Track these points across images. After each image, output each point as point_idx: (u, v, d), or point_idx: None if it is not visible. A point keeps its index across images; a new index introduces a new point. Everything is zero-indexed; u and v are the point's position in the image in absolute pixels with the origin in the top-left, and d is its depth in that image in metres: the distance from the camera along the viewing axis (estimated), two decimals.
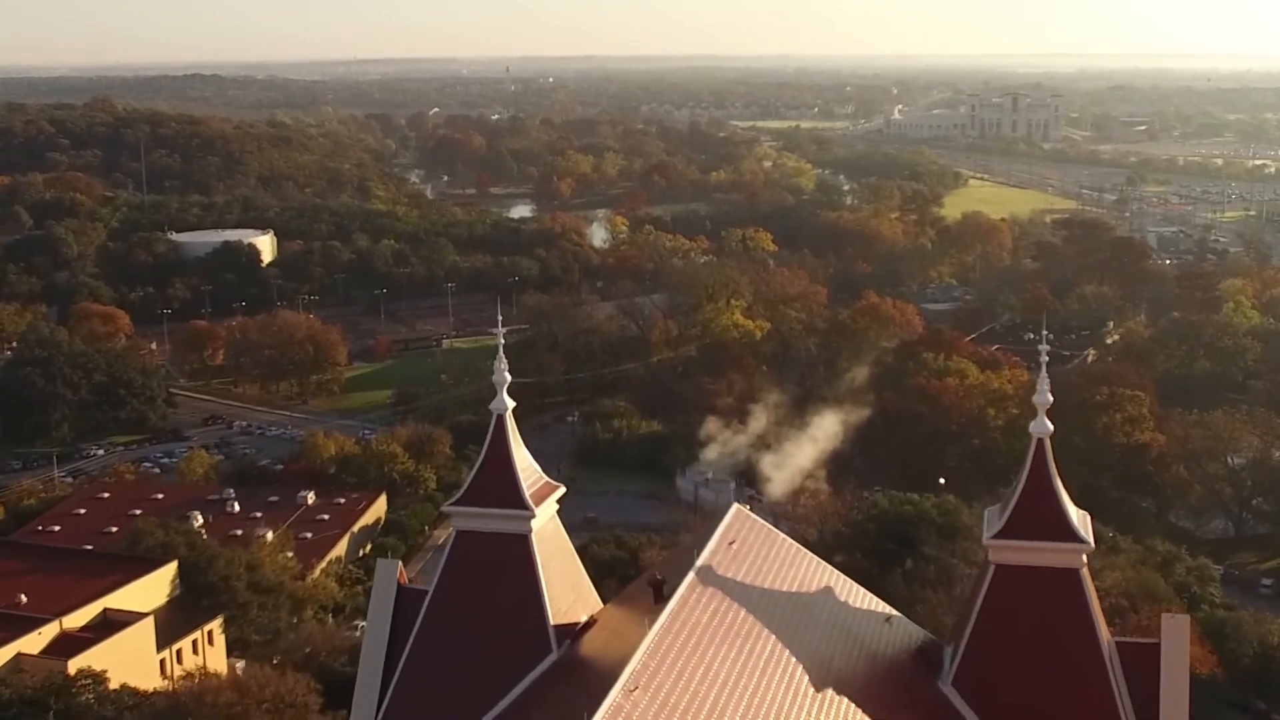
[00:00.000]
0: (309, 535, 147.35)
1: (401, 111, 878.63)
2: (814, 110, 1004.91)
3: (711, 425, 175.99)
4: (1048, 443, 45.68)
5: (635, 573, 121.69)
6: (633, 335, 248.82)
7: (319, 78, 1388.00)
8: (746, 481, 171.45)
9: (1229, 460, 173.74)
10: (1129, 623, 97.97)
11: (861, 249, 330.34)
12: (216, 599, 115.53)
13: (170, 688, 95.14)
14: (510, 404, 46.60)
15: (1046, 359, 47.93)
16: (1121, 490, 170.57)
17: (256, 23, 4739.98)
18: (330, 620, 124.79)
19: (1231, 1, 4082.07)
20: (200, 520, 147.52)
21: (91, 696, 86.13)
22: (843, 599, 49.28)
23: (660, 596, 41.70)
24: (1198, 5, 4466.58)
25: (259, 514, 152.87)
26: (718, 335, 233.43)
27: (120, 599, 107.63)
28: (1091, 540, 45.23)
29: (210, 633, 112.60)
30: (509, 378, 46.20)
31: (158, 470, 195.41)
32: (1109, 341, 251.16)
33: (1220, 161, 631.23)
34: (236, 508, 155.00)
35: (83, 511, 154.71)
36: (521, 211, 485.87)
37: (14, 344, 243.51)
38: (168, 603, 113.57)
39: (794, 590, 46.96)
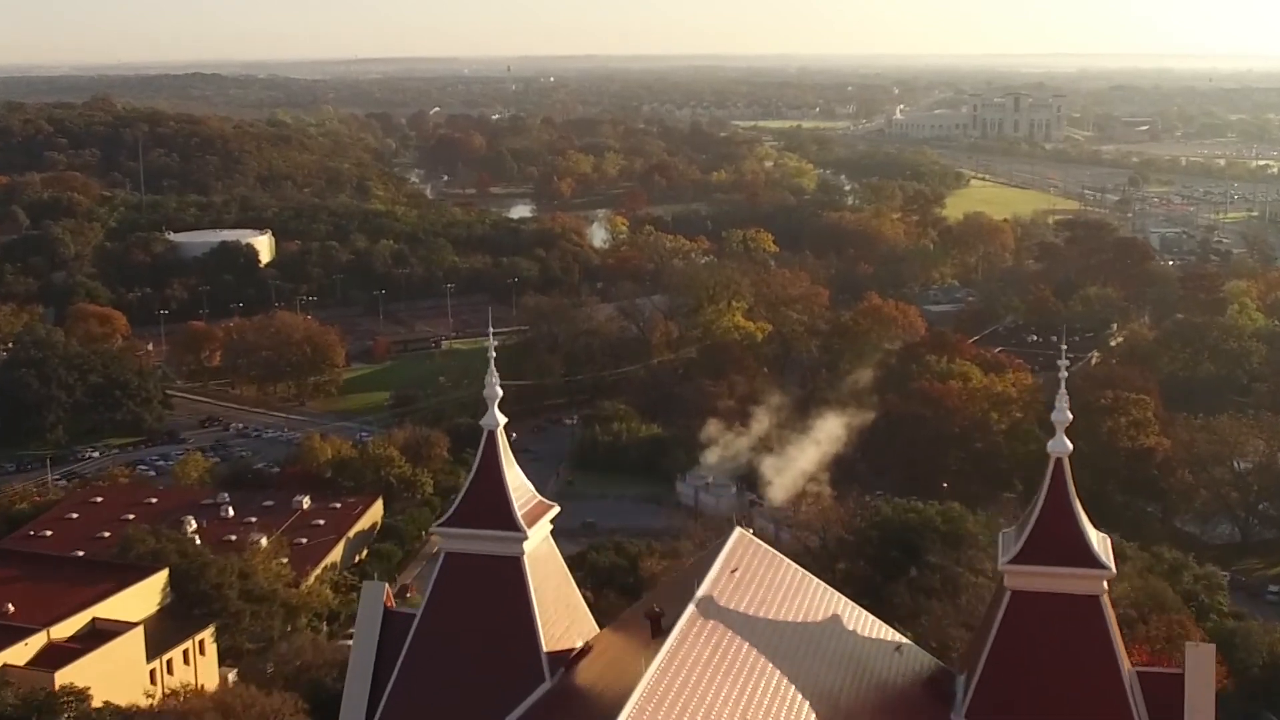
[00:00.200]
0: (304, 541, 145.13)
1: (402, 111, 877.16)
2: (815, 110, 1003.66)
3: (712, 428, 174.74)
4: (1066, 462, 43.62)
5: (634, 579, 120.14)
6: (633, 337, 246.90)
7: (320, 77, 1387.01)
8: (748, 486, 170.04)
9: (1235, 465, 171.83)
10: (1137, 633, 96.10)
11: (863, 250, 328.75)
12: (208, 607, 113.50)
13: (154, 705, 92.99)
14: (502, 419, 44.62)
15: (1065, 374, 45.59)
16: (1126, 495, 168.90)
17: (258, 22, 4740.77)
18: (324, 628, 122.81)
19: (1231, 2, 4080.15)
20: (194, 525, 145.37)
21: (73, 715, 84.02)
22: (851, 627, 47.24)
23: (658, 630, 39.67)
24: (1197, 5, 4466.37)
25: (253, 519, 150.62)
26: (719, 337, 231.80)
27: (110, 608, 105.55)
28: (1113, 565, 43.16)
29: (201, 642, 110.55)
30: (500, 392, 44.22)
31: (153, 473, 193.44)
32: (1113, 344, 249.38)
33: (1223, 162, 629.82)
34: (231, 512, 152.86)
35: (75, 516, 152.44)
36: (522, 211, 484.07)
37: (9, 345, 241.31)
38: (158, 611, 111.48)
39: (800, 620, 44.94)
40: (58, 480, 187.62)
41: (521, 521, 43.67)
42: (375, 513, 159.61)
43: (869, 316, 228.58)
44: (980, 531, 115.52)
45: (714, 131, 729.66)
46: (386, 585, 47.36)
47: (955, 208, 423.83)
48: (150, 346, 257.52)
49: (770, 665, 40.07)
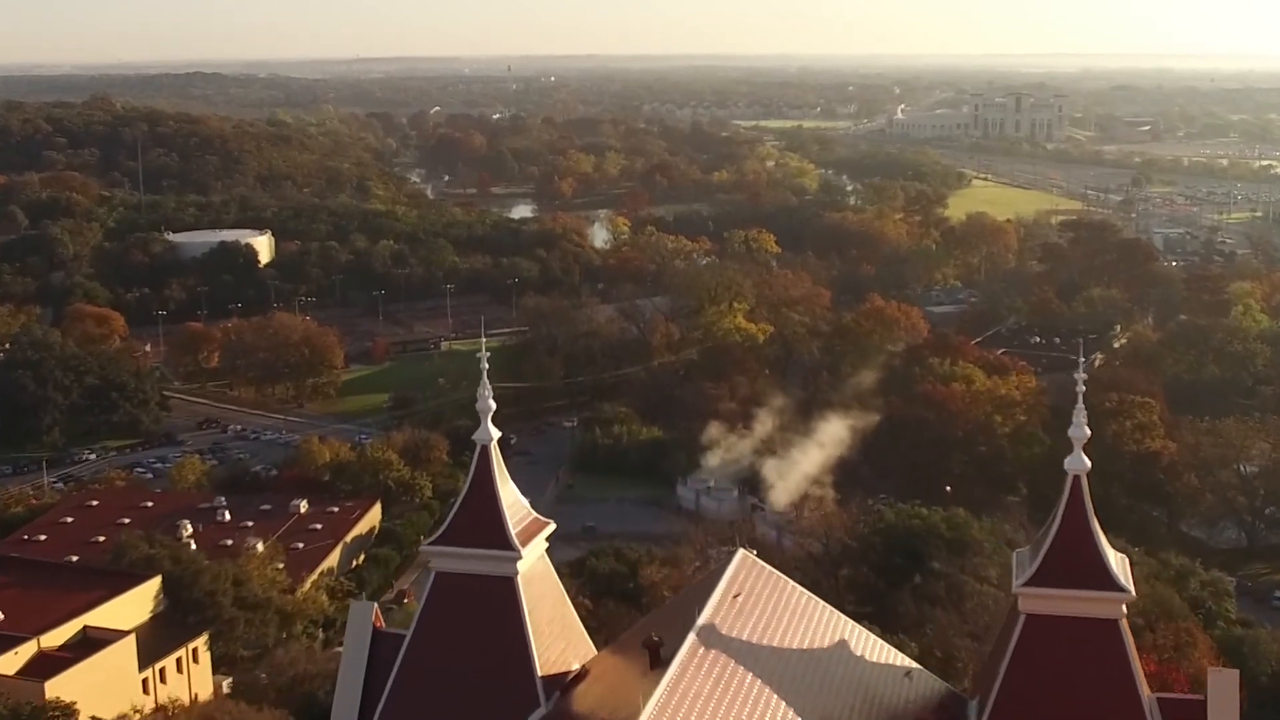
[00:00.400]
0: (300, 545, 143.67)
1: (403, 110, 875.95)
2: (816, 110, 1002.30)
3: (713, 431, 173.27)
4: (1084, 480, 41.89)
5: (634, 586, 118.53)
6: (633, 338, 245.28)
7: (321, 76, 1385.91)
8: (749, 489, 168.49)
9: (1241, 468, 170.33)
10: (1144, 642, 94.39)
11: (865, 250, 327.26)
12: (202, 615, 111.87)
13: None
14: (495, 434, 42.94)
15: (1084, 388, 43.80)
16: (1131, 499, 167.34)
17: (260, 21, 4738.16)
18: (320, 635, 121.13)
19: (1232, 2, 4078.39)
20: (190, 530, 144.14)
21: None
22: (859, 652, 45.53)
23: (657, 660, 37.95)
24: (1198, 5, 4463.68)
25: (250, 523, 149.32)
26: (720, 339, 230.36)
27: (101, 616, 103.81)
28: (1132, 588, 41.44)
29: (195, 650, 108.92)
30: (493, 405, 42.56)
31: (150, 475, 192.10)
32: (1116, 345, 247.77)
33: (1225, 162, 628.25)
34: (227, 516, 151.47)
35: (70, 520, 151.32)
36: (522, 211, 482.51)
37: (6, 346, 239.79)
38: (151, 619, 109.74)
39: (805, 646, 43.20)
40: (54, 483, 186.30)
41: (515, 540, 42.00)
42: (373, 517, 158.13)
43: (871, 318, 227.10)
44: (986, 538, 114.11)
45: (715, 131, 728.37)
46: (375, 605, 45.62)
47: (957, 208, 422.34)
48: (148, 347, 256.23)
49: (775, 696, 38.39)
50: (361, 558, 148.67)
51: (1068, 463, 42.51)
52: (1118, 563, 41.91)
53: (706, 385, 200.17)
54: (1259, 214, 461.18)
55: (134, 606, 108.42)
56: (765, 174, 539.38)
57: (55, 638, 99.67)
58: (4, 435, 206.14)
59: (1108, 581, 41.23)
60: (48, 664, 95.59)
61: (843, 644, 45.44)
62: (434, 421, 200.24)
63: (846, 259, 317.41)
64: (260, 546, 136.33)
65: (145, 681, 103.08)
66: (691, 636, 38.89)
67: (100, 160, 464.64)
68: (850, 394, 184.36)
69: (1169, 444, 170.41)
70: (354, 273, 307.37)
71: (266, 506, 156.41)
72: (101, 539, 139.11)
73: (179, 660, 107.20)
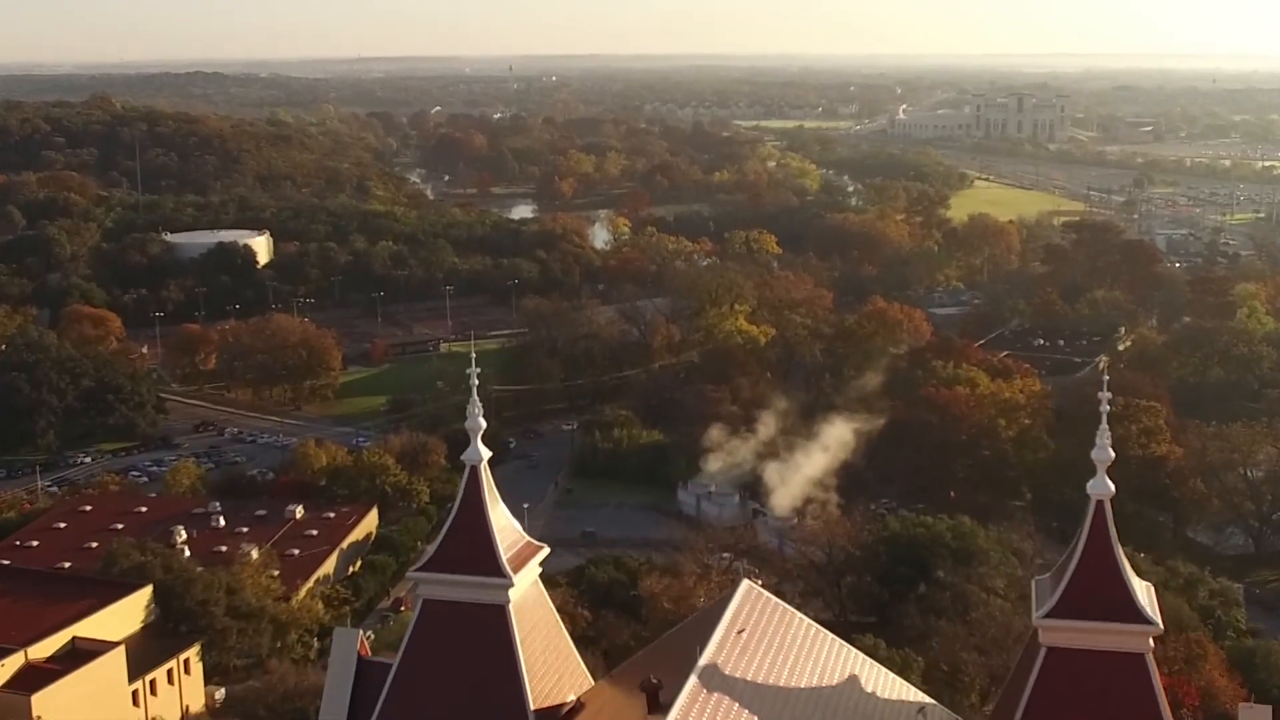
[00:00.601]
0: (296, 552, 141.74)
1: (404, 110, 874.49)
2: (818, 110, 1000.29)
3: (715, 434, 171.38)
4: (1108, 506, 39.76)
5: (634, 595, 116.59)
6: (634, 340, 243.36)
7: (322, 76, 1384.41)
8: (751, 494, 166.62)
9: (1247, 473, 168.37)
10: (1154, 654, 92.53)
11: (867, 251, 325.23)
12: (194, 624, 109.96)
13: None
14: (486, 454, 40.91)
15: (1108, 407, 41.55)
16: (1137, 504, 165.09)
17: (261, 21, 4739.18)
18: (315, 644, 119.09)
19: (1233, 2, 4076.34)
20: (183, 536, 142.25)
21: None
22: (870, 689, 43.43)
23: (655, 706, 35.92)
24: (1199, 5, 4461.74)
25: (245, 529, 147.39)
26: (721, 341, 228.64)
27: (91, 626, 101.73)
28: (1159, 620, 39.33)
29: (186, 661, 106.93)
30: (483, 423, 40.53)
31: (145, 479, 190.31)
32: (1121, 348, 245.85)
33: (1228, 163, 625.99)
34: (222, 522, 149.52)
35: (63, 525, 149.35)
36: (523, 211, 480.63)
37: (1, 348, 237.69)
38: (142, 629, 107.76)
39: (814, 684, 41.12)
40: (49, 487, 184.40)
41: (507, 566, 39.98)
42: (370, 522, 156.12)
43: (874, 320, 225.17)
44: (992, 548, 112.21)
45: (716, 131, 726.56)
46: (360, 632, 43.59)
47: (960, 209, 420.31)
48: (145, 349, 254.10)
49: None
50: (358, 564, 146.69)
51: (1091, 487, 40.39)
52: (1144, 592, 39.79)
53: (707, 388, 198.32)
54: (1262, 215, 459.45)
55: (124, 616, 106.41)
56: (766, 174, 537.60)
57: (43, 649, 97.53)
58: None
59: (1133, 613, 39.08)
60: (35, 676, 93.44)
61: (853, 680, 43.33)
62: (432, 424, 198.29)
63: (848, 260, 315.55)
64: (255, 553, 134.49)
65: (135, 693, 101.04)
66: (693, 679, 36.79)
67: (99, 160, 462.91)
68: (853, 397, 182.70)
69: (1175, 449, 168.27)
70: (353, 274, 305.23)
71: (262, 512, 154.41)
72: (94, 545, 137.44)
73: (170, 671, 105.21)
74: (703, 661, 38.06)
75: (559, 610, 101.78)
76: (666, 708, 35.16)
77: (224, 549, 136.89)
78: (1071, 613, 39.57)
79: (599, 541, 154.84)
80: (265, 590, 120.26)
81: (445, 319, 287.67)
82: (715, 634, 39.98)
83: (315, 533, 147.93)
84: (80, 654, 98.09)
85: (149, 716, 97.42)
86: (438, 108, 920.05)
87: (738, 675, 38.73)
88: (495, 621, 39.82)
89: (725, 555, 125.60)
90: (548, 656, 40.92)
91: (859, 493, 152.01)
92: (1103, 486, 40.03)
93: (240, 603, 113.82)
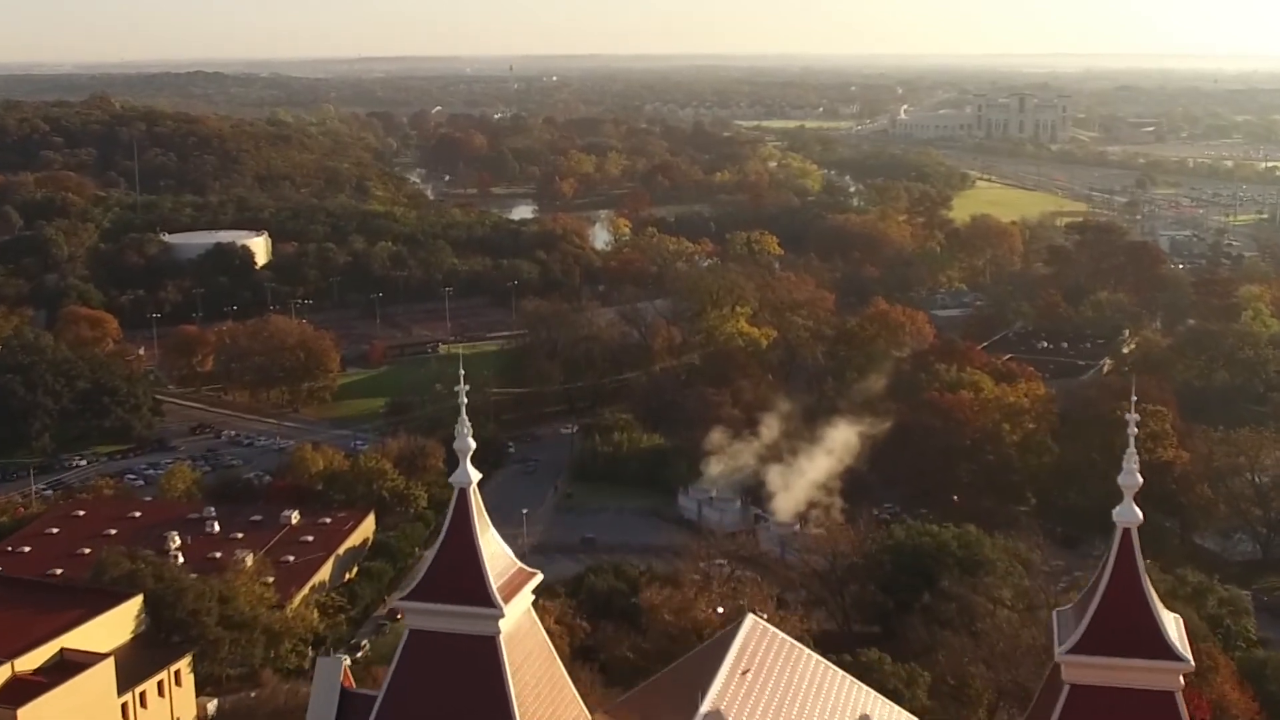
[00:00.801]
0: (291, 558, 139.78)
1: (404, 110, 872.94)
2: (819, 110, 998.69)
3: (716, 438, 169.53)
4: (1135, 534, 37.67)
5: (634, 601, 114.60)
6: (634, 342, 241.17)
7: (322, 75, 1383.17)
8: (753, 499, 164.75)
9: (1254, 478, 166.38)
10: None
11: (869, 253, 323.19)
12: (185, 635, 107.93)
13: None
14: (475, 476, 38.89)
15: (1135, 430, 39.37)
16: (1143, 510, 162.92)
17: (262, 20, 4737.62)
18: (310, 654, 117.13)
19: (1233, 2, 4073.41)
20: (177, 542, 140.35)
21: None
22: None
23: None
24: (1199, 5, 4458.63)
25: (239, 534, 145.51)
26: (722, 343, 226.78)
27: (80, 637, 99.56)
28: (1190, 657, 37.23)
29: (178, 672, 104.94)
30: (473, 444, 38.53)
31: (141, 483, 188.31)
32: (1125, 351, 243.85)
33: (1230, 163, 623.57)
34: (216, 528, 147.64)
35: (56, 531, 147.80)
36: (523, 212, 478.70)
37: None
38: (132, 639, 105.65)
39: None
40: (43, 490, 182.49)
41: (498, 596, 37.98)
42: (366, 528, 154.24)
43: (876, 322, 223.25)
44: (999, 557, 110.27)
45: (717, 131, 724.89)
46: (345, 660, 41.61)
47: (962, 209, 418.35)
48: (142, 351, 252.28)
49: None
50: (354, 571, 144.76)
51: (1117, 514, 38.40)
52: (1173, 626, 37.67)
53: (709, 391, 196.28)
54: (1265, 216, 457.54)
55: (114, 626, 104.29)
56: (767, 175, 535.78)
57: (30, 661, 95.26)
58: None
59: (1163, 649, 36.93)
60: (21, 689, 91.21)
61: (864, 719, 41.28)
62: (431, 427, 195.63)
63: (850, 261, 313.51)
64: (249, 560, 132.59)
65: (125, 706, 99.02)
66: None
67: (97, 160, 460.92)
68: (856, 400, 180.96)
69: (1181, 454, 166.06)
70: (352, 274, 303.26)
71: (257, 517, 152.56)
72: (87, 551, 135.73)
73: (160, 683, 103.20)
74: (705, 708, 36.08)
75: (557, 621, 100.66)
76: None
77: (218, 555, 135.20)
78: (1097, 648, 37.45)
79: (599, 547, 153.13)
80: (259, 599, 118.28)
81: (444, 320, 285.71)
82: (719, 675, 38.00)
83: (311, 538, 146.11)
84: (68, 666, 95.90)
85: None
86: (438, 108, 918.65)
87: (743, 718, 36.74)
88: (485, 653, 37.80)
89: (721, 562, 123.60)
90: (540, 690, 38.91)
91: (862, 497, 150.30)
92: (1130, 514, 38.02)
93: (233, 612, 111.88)
